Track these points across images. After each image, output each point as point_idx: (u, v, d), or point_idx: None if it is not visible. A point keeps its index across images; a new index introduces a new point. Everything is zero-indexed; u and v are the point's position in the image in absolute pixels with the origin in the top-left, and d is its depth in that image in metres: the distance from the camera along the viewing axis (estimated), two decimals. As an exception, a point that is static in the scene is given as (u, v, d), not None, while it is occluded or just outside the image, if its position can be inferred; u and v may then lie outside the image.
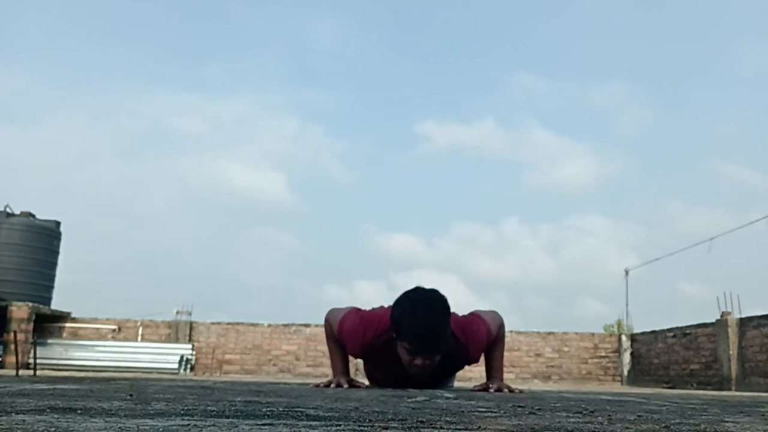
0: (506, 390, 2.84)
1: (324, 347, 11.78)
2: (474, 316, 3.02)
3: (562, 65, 23.15)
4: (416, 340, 2.60)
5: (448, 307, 2.71)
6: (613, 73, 22.85)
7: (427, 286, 2.80)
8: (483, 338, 2.94)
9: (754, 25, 20.69)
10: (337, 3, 22.60)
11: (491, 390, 2.84)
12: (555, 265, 20.80)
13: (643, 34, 21.95)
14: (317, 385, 2.86)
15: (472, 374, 11.41)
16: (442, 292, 2.77)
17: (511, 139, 21.94)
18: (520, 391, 2.88)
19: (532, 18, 22.23)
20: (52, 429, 0.90)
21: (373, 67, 22.51)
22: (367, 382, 3.17)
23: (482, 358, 3.05)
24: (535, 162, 22.64)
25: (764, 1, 20.00)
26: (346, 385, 2.80)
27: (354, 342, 2.90)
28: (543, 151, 21.94)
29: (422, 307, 2.62)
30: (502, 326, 3.07)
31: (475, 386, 3.01)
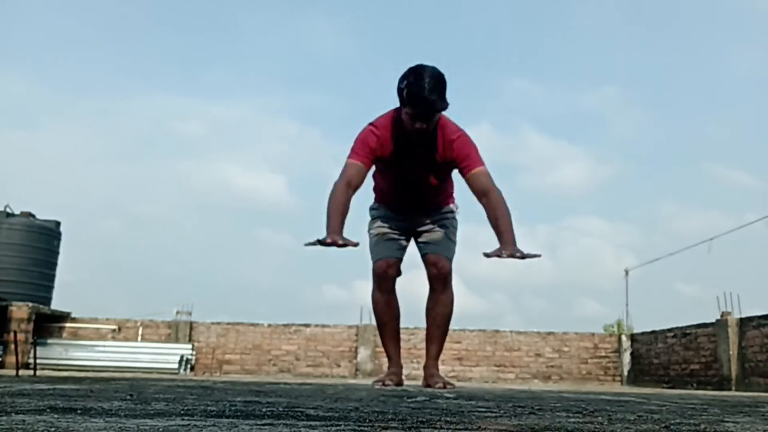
0: (518, 255, 2.74)
1: (324, 347, 11.80)
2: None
3: (555, 70, 23.29)
4: (417, 102, 2.94)
5: (445, 79, 3.02)
6: (605, 77, 23.02)
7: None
8: (472, 149, 3.12)
9: (746, 29, 20.77)
10: (335, 8, 22.67)
11: (504, 255, 2.75)
12: (553, 266, 20.83)
13: (635, 39, 22.09)
14: (317, 240, 2.78)
15: (473, 374, 11.43)
16: None
17: (507, 143, 22.06)
18: (535, 255, 2.75)
19: (525, 24, 22.35)
20: (52, 429, 0.90)
21: (369, 71, 22.58)
22: (355, 240, 2.99)
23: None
24: (531, 165, 22.76)
25: (756, 4, 20.13)
26: (340, 241, 2.78)
27: (368, 145, 3.10)
28: (538, 154, 22.07)
29: (422, 74, 2.96)
30: (499, 190, 3.06)
31: (489, 252, 2.84)
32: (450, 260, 3.37)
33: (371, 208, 3.56)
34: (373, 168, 3.32)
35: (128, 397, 1.68)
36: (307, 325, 11.53)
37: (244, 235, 22.21)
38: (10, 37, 19.99)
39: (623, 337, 11.83)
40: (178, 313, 11.79)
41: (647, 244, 21.19)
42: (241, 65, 22.78)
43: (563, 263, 20.72)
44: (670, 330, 10.55)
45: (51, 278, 11.67)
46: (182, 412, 1.24)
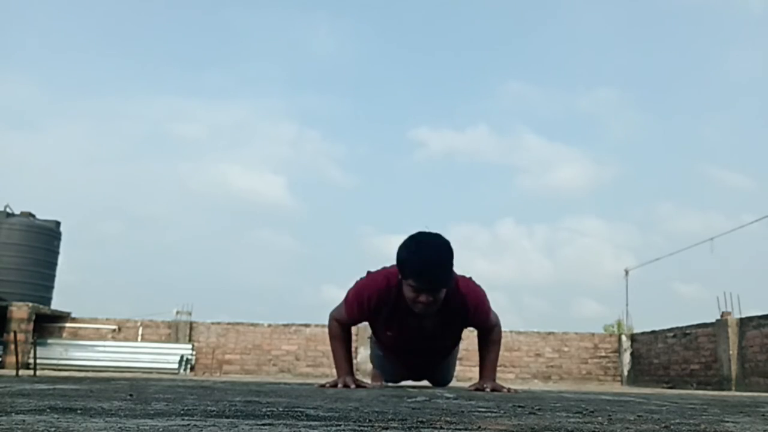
0: (505, 390, 2.86)
1: (324, 347, 11.80)
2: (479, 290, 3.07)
3: (551, 73, 23.45)
4: (421, 275, 2.64)
5: (452, 249, 2.71)
6: (601, 80, 23.14)
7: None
8: (485, 307, 3.02)
9: (742, 31, 20.84)
10: (334, 11, 22.73)
11: (487, 389, 2.86)
12: (552, 266, 20.88)
13: (630, 42, 22.23)
14: (323, 385, 2.87)
15: (472, 374, 11.42)
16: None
17: (504, 145, 22.18)
18: (515, 391, 2.89)
19: (521, 28, 22.48)
20: (52, 429, 0.90)
21: (369, 74, 22.64)
22: (370, 381, 3.20)
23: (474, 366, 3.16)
24: (528, 166, 22.85)
25: (752, 7, 20.19)
26: (352, 386, 2.81)
27: (360, 310, 2.95)
28: (535, 156, 22.17)
29: (427, 245, 2.68)
30: (499, 326, 3.14)
31: (470, 386, 3.06)
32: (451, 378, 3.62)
33: (371, 339, 3.56)
34: None
35: (128, 397, 1.68)
36: (307, 325, 11.53)
37: (244, 235, 22.25)
38: (11, 39, 20.04)
39: (623, 337, 11.83)
40: (178, 313, 11.80)
41: (646, 244, 21.28)
42: (242, 67, 22.85)
43: (562, 263, 20.76)
44: (670, 330, 10.55)
45: (51, 278, 11.67)
46: (182, 412, 1.24)
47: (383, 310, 2.90)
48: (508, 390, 2.87)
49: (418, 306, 2.74)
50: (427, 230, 2.77)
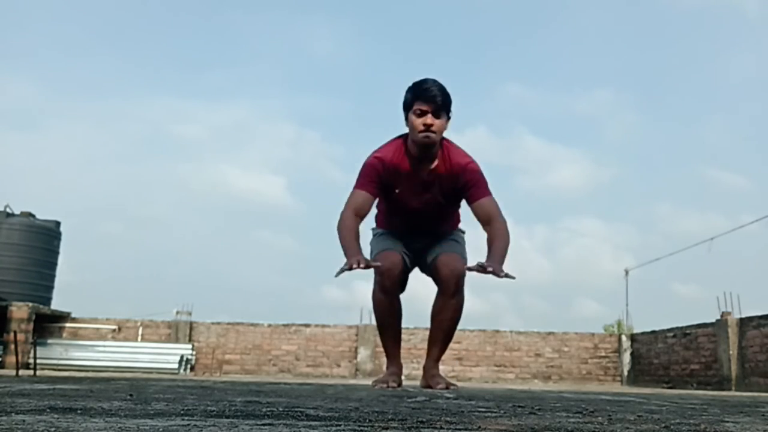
0: (499, 273, 2.71)
1: (324, 347, 11.79)
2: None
3: (550, 75, 23.52)
4: (423, 92, 2.97)
5: (447, 89, 3.05)
6: (599, 81, 23.18)
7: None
8: (481, 176, 3.10)
9: (739, 33, 20.89)
10: (333, 13, 22.76)
11: (488, 268, 2.71)
12: (551, 266, 20.89)
13: (628, 43, 22.29)
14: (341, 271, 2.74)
15: (472, 374, 11.42)
16: None
17: (503, 146, 22.22)
18: (507, 276, 2.71)
19: (519, 30, 22.53)
20: (52, 429, 0.90)
21: (367, 75, 22.67)
22: (378, 263, 2.97)
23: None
24: (527, 167, 22.90)
25: (749, 8, 20.23)
26: (363, 264, 2.70)
27: (374, 172, 3.05)
28: (534, 157, 22.20)
29: (426, 79, 3.03)
30: (504, 220, 3.08)
31: (470, 266, 2.84)
32: (462, 261, 3.26)
33: (373, 230, 3.49)
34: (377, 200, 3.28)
35: (128, 397, 1.68)
36: (307, 325, 11.53)
37: (244, 236, 22.25)
38: (12, 40, 20.04)
39: (623, 337, 11.83)
40: (178, 313, 11.79)
41: (645, 244, 21.31)
42: (241, 68, 22.87)
43: (562, 264, 20.77)
44: (670, 330, 10.55)
45: (51, 278, 11.67)
46: (182, 412, 1.24)
47: (390, 168, 3.06)
48: (502, 275, 2.70)
49: (423, 133, 2.97)
50: None
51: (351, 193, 3.06)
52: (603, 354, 11.78)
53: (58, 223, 11.88)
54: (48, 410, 1.20)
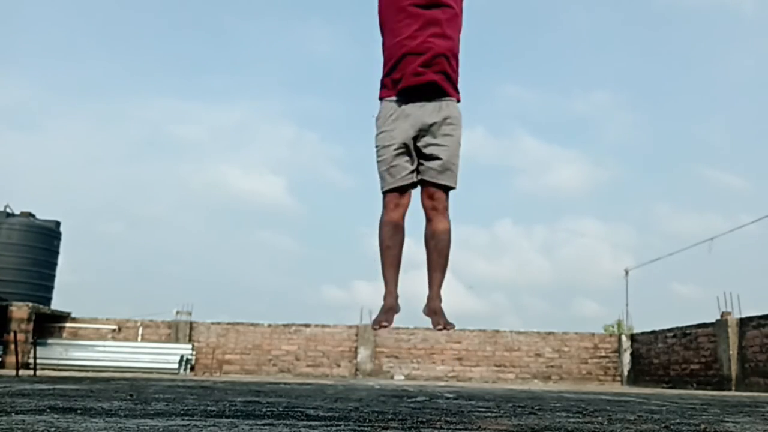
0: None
1: (324, 347, 11.79)
2: None
3: (547, 76, 23.52)
4: None
5: None
6: (596, 83, 23.22)
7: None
8: None
9: (736, 34, 20.93)
10: (333, 15, 22.79)
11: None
12: (551, 267, 20.89)
13: (625, 45, 22.33)
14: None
15: (473, 374, 11.42)
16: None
17: (502, 147, 22.23)
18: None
19: (517, 31, 22.54)
20: (52, 429, 0.90)
21: (366, 76, 22.69)
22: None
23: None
24: (526, 168, 22.91)
25: (745, 10, 20.28)
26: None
27: None
28: (533, 158, 22.20)
29: None
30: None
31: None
32: (449, 189, 3.32)
33: (376, 118, 3.48)
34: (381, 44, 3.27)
35: (128, 397, 1.68)
36: (307, 325, 11.52)
37: (244, 236, 22.25)
38: (13, 41, 20.05)
39: (623, 337, 11.83)
40: (178, 313, 11.79)
41: (644, 245, 21.32)
42: (241, 70, 22.89)
43: (561, 264, 20.78)
44: (670, 330, 10.55)
45: (51, 278, 11.67)
46: (182, 412, 1.24)
47: None
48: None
49: None
50: None
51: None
52: (603, 354, 11.78)
53: (58, 223, 11.88)
54: (48, 410, 1.20)
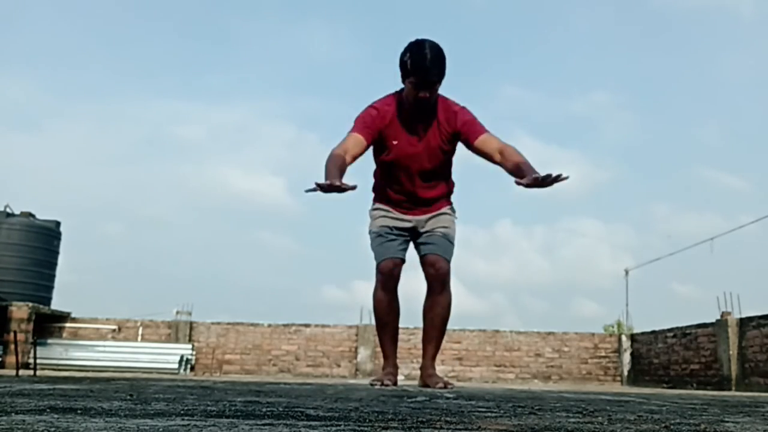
0: (549, 179, 2.74)
1: (324, 347, 11.79)
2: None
3: (546, 77, 23.52)
4: (422, 76, 3.04)
5: (444, 53, 3.12)
6: (595, 83, 23.22)
7: None
8: (475, 121, 3.22)
9: (735, 34, 20.95)
10: (333, 15, 22.79)
11: (539, 178, 2.77)
12: (550, 267, 20.90)
13: (624, 45, 22.33)
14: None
15: (473, 374, 11.42)
16: None
17: (500, 147, 22.22)
18: (559, 178, 2.76)
19: (515, 32, 22.54)
20: (52, 429, 0.90)
21: (365, 77, 22.72)
22: (352, 183, 3.00)
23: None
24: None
25: (744, 10, 20.31)
26: (338, 182, 2.73)
27: (368, 117, 3.17)
28: (532, 158, 22.13)
29: (423, 46, 3.08)
30: (509, 144, 3.22)
31: (519, 180, 2.90)
32: (448, 261, 3.37)
33: (371, 210, 3.54)
34: (374, 167, 3.32)
35: (128, 397, 1.68)
36: (307, 325, 11.53)
37: (244, 236, 22.25)
38: (12, 41, 20.04)
39: (623, 337, 11.83)
40: (178, 313, 11.79)
41: (643, 245, 21.36)
42: (241, 70, 22.88)
43: (561, 264, 20.79)
44: (670, 330, 10.55)
45: (51, 278, 11.67)
46: (182, 412, 1.24)
47: (387, 119, 3.17)
48: (552, 180, 2.73)
49: (418, 101, 3.10)
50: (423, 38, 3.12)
51: (344, 137, 3.16)
52: (603, 354, 11.78)
53: (58, 223, 11.88)
54: (48, 410, 1.20)
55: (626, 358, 11.65)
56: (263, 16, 22.13)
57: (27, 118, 21.50)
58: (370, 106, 3.21)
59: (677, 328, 10.36)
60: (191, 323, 11.57)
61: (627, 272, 12.92)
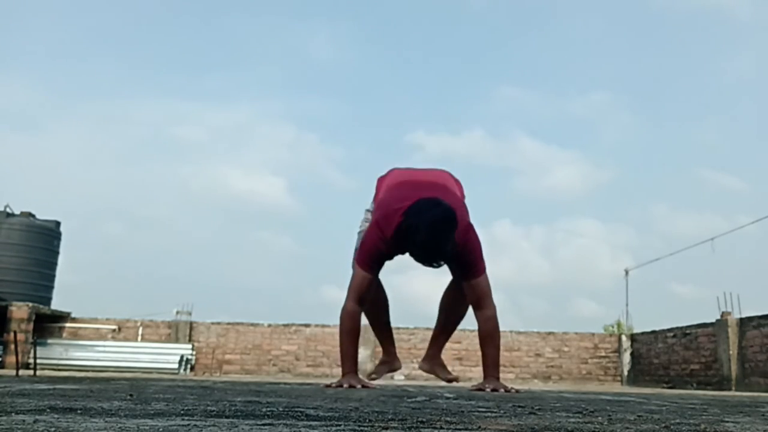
0: (502, 390, 2.87)
1: (324, 347, 11.77)
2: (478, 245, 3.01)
3: (544, 78, 23.60)
4: (422, 255, 2.79)
5: (455, 218, 2.76)
6: (594, 84, 23.26)
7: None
8: (479, 255, 3.01)
9: (733, 36, 20.97)
10: (333, 16, 22.82)
11: (488, 389, 2.87)
12: (550, 267, 20.92)
13: (622, 46, 22.38)
14: (328, 385, 2.89)
15: (473, 374, 11.41)
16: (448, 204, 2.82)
17: (500, 148, 22.34)
18: (516, 391, 2.92)
19: (514, 33, 22.60)
20: (52, 429, 0.90)
21: (365, 78, 22.75)
22: (374, 383, 3.21)
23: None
24: (524, 169, 23.01)
25: (742, 11, 20.34)
26: (358, 386, 2.84)
27: (376, 251, 2.97)
28: (531, 159, 22.28)
29: (429, 217, 2.71)
30: (496, 317, 3.06)
31: (472, 386, 3.07)
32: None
33: (367, 210, 3.42)
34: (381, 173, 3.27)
35: (128, 397, 1.68)
36: (307, 325, 11.52)
37: (244, 236, 22.28)
38: (13, 42, 20.06)
39: (623, 337, 11.83)
40: (178, 313, 11.79)
41: (642, 245, 21.39)
42: (241, 71, 22.91)
43: (560, 264, 20.81)
44: (670, 330, 10.55)
45: (51, 278, 11.66)
46: (182, 412, 1.24)
47: (390, 248, 2.99)
48: (509, 390, 2.88)
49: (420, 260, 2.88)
50: (433, 201, 2.80)
51: (354, 272, 3.04)
52: (603, 354, 11.78)
53: (58, 223, 11.88)
54: (48, 410, 1.20)
55: (626, 358, 11.65)
56: (264, 16, 22.16)
57: (27, 118, 21.53)
58: (378, 232, 2.94)
59: (677, 328, 10.36)
60: (191, 323, 11.57)
61: (627, 272, 12.92)
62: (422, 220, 2.71)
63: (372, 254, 2.98)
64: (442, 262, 2.85)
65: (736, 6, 21.15)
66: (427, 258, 2.80)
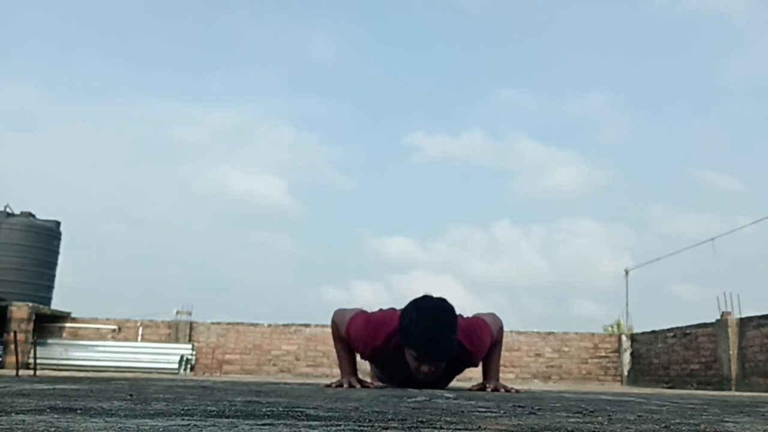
0: (503, 390, 2.89)
1: (324, 347, 11.77)
2: (478, 320, 3.06)
3: (543, 79, 23.62)
4: (423, 350, 2.67)
5: (455, 318, 2.75)
6: (592, 84, 23.31)
7: (434, 294, 2.84)
8: (486, 344, 3.04)
9: (730, 38, 21.00)
10: (333, 17, 22.83)
11: (488, 389, 2.90)
12: (549, 267, 20.94)
13: (620, 47, 22.41)
14: (328, 385, 2.89)
15: (472, 374, 11.41)
16: (448, 298, 2.85)
17: (499, 149, 22.39)
18: (517, 391, 2.94)
19: (512, 34, 22.64)
20: (52, 429, 0.90)
21: (365, 79, 22.78)
22: (376, 382, 3.23)
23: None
24: (523, 169, 23.05)
25: (738, 15, 20.38)
26: (357, 386, 2.84)
27: (362, 345, 2.97)
28: (530, 159, 22.33)
29: (430, 317, 2.68)
30: (501, 329, 3.18)
31: (472, 386, 3.08)
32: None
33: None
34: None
35: (128, 397, 1.68)
36: (307, 325, 11.52)
37: (244, 236, 22.28)
38: (13, 43, 20.06)
39: (623, 337, 11.83)
40: (178, 313, 11.79)
41: (642, 245, 21.40)
42: (241, 72, 22.92)
43: (560, 264, 20.83)
44: (670, 330, 10.55)
45: (51, 278, 11.66)
46: (182, 412, 1.24)
47: (385, 351, 2.90)
48: (509, 390, 2.89)
49: (420, 375, 2.78)
50: (430, 297, 2.78)
51: (347, 317, 3.01)
52: (603, 354, 11.78)
53: (58, 223, 11.88)
54: (48, 410, 1.20)
55: (626, 358, 11.65)
56: (264, 17, 22.17)
57: (27, 118, 21.54)
58: (374, 328, 2.90)
59: (677, 328, 10.36)
60: (191, 323, 11.57)
61: (627, 272, 12.92)
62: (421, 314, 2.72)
63: (366, 341, 2.94)
64: (444, 360, 2.76)
65: (732, 9, 21.21)
66: (434, 355, 2.71)
